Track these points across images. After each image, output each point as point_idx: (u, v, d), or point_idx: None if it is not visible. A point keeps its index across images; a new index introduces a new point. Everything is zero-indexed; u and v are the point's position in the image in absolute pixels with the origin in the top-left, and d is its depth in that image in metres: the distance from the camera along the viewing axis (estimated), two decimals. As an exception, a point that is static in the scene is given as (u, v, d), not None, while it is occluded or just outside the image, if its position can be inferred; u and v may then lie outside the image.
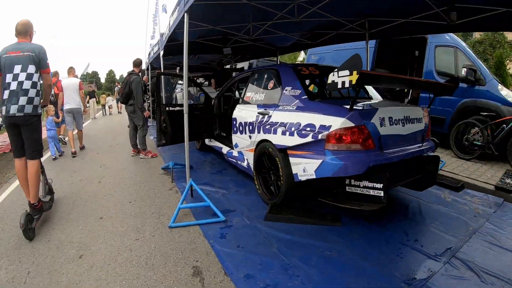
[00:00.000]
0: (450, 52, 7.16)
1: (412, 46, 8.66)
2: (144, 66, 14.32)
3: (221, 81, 8.42)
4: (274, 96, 4.32)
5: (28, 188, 3.54)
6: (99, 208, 4.17)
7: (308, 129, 3.42)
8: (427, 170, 3.96)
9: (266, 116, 4.17)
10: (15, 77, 3.38)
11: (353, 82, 2.78)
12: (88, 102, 17.68)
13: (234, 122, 5.00)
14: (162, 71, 5.95)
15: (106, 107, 21.26)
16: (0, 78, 3.45)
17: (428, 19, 5.35)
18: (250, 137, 4.50)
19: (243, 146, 4.74)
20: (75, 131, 7.97)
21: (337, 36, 7.30)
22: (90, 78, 65.80)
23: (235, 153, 5.07)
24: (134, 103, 6.56)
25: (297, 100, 3.87)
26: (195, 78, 10.06)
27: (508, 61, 13.27)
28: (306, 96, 3.84)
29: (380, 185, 3.22)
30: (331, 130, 3.20)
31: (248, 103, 4.89)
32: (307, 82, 4.35)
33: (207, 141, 6.38)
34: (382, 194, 3.20)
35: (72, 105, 7.44)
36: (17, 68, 3.38)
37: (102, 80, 77.32)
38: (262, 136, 4.12)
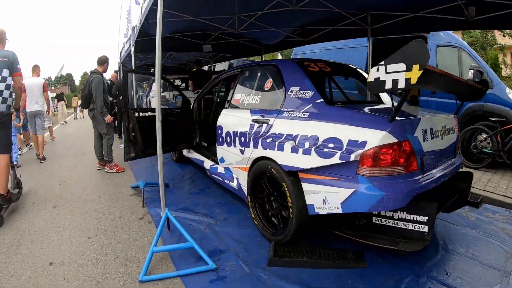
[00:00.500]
0: (453, 52, 6.41)
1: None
2: (116, 67, 12.97)
3: (200, 82, 7.35)
4: (275, 99, 3.35)
5: None
6: (50, 247, 3.06)
7: (332, 145, 2.44)
8: (459, 189, 3.17)
9: (265, 125, 3.18)
10: None
11: (413, 82, 1.81)
12: (56, 106, 16.19)
13: (220, 131, 3.98)
14: (129, 68, 4.74)
15: (78, 110, 19.69)
16: None
17: (442, 13, 4.56)
18: (242, 151, 3.48)
19: (232, 161, 3.73)
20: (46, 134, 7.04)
21: (333, 32, 6.45)
22: (64, 80, 63.02)
23: (220, 169, 4.06)
24: (94, 107, 5.40)
25: (310, 105, 2.88)
26: (172, 80, 8.88)
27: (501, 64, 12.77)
28: (322, 100, 2.86)
29: (424, 218, 2.39)
30: (367, 147, 2.24)
31: (238, 107, 3.88)
32: (319, 81, 3.33)
33: (185, 152, 5.30)
34: (426, 230, 2.37)
35: (35, 107, 6.63)
36: None
37: (77, 83, 73.84)
38: (261, 152, 3.11)
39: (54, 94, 16.63)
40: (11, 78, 3.78)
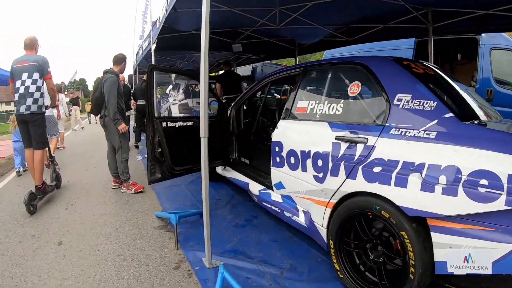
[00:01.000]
0: (510, 56, 5.44)
1: (457, 49, 6.84)
2: (131, 71, 11.95)
3: (229, 86, 6.31)
4: (370, 109, 2.36)
5: (34, 172, 4.06)
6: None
7: (486, 182, 1.60)
8: None
9: (361, 146, 2.18)
10: (23, 83, 3.92)
11: None
12: (70, 110, 15.29)
13: (277, 149, 2.96)
14: (156, 64, 3.59)
15: (92, 115, 18.80)
16: (12, 84, 4.03)
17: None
18: (320, 179, 2.45)
19: (299, 190, 2.71)
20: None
21: (383, 31, 5.41)
22: (77, 85, 62.69)
23: (276, 197, 3.04)
24: (107, 114, 4.37)
25: (435, 121, 1.94)
26: (195, 86, 7.83)
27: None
28: (451, 114, 1.93)
29: None
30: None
31: (305, 119, 2.83)
32: (435, 88, 2.31)
33: (219, 169, 4.28)
34: None
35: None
36: (24, 75, 3.91)
37: (90, 88, 73.44)
38: (362, 185, 2.07)
39: (68, 99, 15.75)
40: (42, 80, 4.04)
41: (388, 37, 6.00)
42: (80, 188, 4.84)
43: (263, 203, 3.24)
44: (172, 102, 8.06)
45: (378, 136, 2.09)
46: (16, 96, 3.95)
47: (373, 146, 2.09)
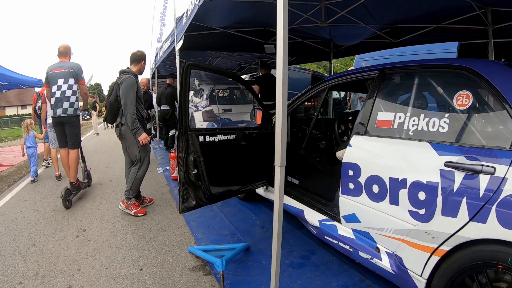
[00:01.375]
0: None
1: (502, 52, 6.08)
2: (148, 74, 11.21)
3: (268, 90, 5.55)
4: (494, 128, 1.75)
5: (69, 170, 4.31)
6: None
7: None
8: None
9: (488, 177, 1.56)
10: (59, 88, 4.16)
11: None
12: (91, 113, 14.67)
13: (351, 172, 2.27)
14: (192, 63, 2.82)
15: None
16: (48, 89, 4.31)
17: None
18: (423, 217, 1.81)
19: (383, 227, 2.05)
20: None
21: (434, 32, 4.74)
22: (93, 90, 62.66)
23: (345, 232, 2.36)
24: (123, 122, 3.66)
25: None
26: (219, 91, 7.13)
27: None
28: None
29: None
30: None
31: (392, 136, 2.12)
32: None
33: (261, 189, 3.51)
34: None
35: None
36: (60, 81, 4.16)
37: (105, 93, 73.47)
38: (492, 230, 1.52)
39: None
40: (77, 85, 4.26)
41: (438, 39, 5.29)
42: (94, 208, 4.10)
43: (326, 237, 2.52)
44: (194, 109, 7.36)
45: (510, 165, 1.49)
46: (53, 100, 4.18)
47: (504, 178, 1.50)
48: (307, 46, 5.91)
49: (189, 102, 2.51)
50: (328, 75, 11.95)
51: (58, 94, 4.13)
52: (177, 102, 7.29)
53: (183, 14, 4.38)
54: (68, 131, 4.26)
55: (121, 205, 3.83)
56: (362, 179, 2.17)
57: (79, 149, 4.42)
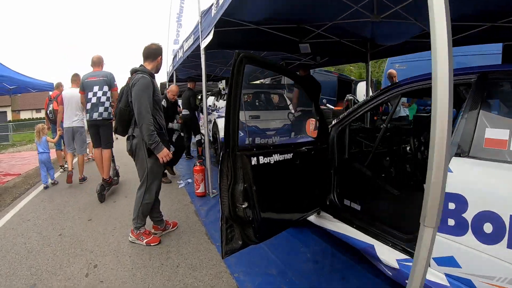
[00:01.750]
0: None
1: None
2: (164, 78, 10.50)
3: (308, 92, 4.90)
4: None
5: (103, 168, 4.72)
6: None
7: None
8: None
9: None
10: (94, 94, 4.55)
11: None
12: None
13: (451, 206, 1.66)
14: (249, 54, 2.09)
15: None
16: (83, 96, 4.65)
17: None
18: None
19: (494, 275, 1.49)
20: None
21: (487, 32, 4.10)
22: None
23: (435, 277, 1.74)
24: (136, 134, 2.94)
25: None
26: (247, 97, 6.48)
27: None
28: None
29: None
30: None
31: (508, 160, 1.54)
32: None
33: (312, 216, 2.84)
34: None
35: (73, 122, 5.43)
36: (95, 88, 4.55)
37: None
38: None
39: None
40: (110, 92, 4.65)
41: (489, 40, 4.71)
42: (107, 233, 3.42)
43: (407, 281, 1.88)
44: (217, 115, 6.72)
45: None
46: (89, 105, 4.57)
47: None
48: (343, 46, 5.26)
49: (239, 111, 1.86)
50: (354, 79, 11.34)
51: (94, 100, 4.53)
52: (191, 106, 6.80)
53: (211, 6, 3.78)
54: (102, 133, 4.68)
55: (130, 236, 3.16)
56: (468, 215, 1.57)
57: (111, 149, 4.80)
